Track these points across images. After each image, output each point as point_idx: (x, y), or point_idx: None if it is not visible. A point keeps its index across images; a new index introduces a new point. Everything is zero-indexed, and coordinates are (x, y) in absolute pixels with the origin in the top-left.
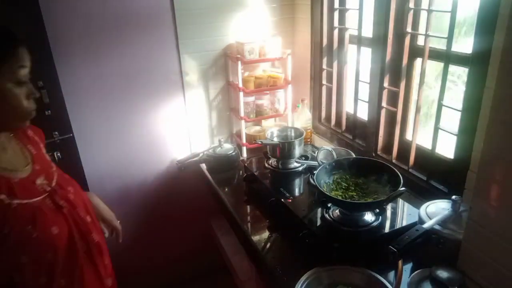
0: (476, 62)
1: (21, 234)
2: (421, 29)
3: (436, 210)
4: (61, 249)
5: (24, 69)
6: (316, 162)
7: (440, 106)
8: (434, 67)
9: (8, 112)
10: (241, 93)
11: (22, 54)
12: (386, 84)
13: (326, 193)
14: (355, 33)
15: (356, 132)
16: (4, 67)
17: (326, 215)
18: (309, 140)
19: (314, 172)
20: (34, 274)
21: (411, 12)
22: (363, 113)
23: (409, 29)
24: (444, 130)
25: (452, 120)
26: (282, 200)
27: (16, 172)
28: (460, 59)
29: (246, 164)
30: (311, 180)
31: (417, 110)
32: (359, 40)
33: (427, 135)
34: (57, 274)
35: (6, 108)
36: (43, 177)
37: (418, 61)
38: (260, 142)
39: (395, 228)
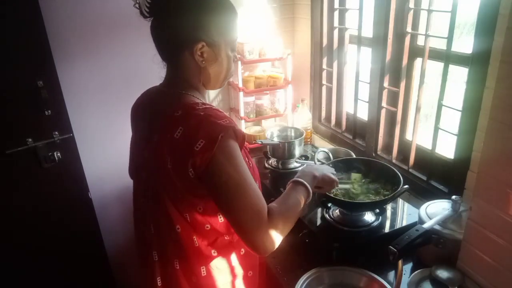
0: (476, 62)
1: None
2: (421, 29)
3: (436, 210)
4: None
5: (237, 39)
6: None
7: (440, 106)
8: (434, 67)
9: (221, 73)
10: (241, 93)
11: (238, 27)
12: (386, 84)
13: (326, 193)
14: (355, 33)
15: (356, 132)
16: (229, 37)
17: (326, 215)
18: (309, 140)
19: None
20: None
21: (411, 12)
22: (363, 113)
23: (409, 29)
24: (444, 130)
25: (452, 120)
26: None
27: None
28: (460, 59)
29: None
30: None
31: (417, 110)
32: (359, 40)
33: (427, 135)
34: None
35: (221, 70)
36: None
37: (418, 61)
38: (260, 142)
39: (395, 228)
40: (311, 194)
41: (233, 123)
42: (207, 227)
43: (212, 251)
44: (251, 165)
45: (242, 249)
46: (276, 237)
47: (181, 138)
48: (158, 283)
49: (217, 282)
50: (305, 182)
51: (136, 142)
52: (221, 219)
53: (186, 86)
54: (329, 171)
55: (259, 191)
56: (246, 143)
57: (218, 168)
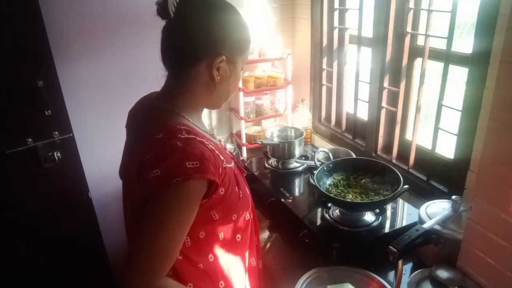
0: (476, 62)
1: (232, 195)
2: (421, 29)
3: (436, 210)
4: (251, 208)
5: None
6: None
7: (440, 106)
8: (434, 67)
9: (228, 92)
10: (241, 93)
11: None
12: (386, 84)
13: (326, 193)
14: (355, 33)
15: (356, 132)
16: (244, 57)
17: (326, 215)
18: (309, 140)
19: (314, 172)
20: (235, 232)
21: (411, 12)
22: (363, 113)
23: (409, 29)
24: (444, 130)
25: (452, 120)
26: (282, 200)
27: (215, 139)
28: (460, 59)
29: (246, 164)
30: (311, 180)
31: (417, 110)
32: (359, 40)
33: (427, 135)
34: (249, 232)
35: (229, 89)
36: None
37: (418, 61)
38: (260, 142)
39: (395, 228)
40: None
41: (202, 168)
42: (188, 243)
43: (199, 265)
44: (240, 195)
45: (227, 269)
46: None
47: (148, 162)
48: None
49: None
50: None
51: (126, 148)
52: (202, 234)
53: (184, 103)
54: None
55: (175, 252)
56: (248, 144)
57: (153, 205)
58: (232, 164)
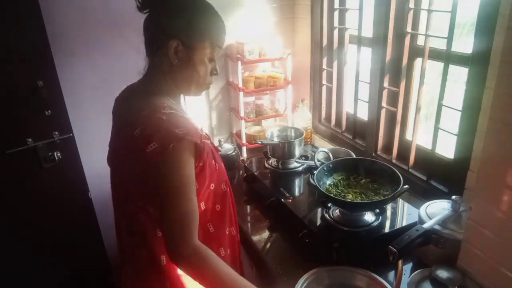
0: (476, 62)
1: (210, 166)
2: (421, 29)
3: (436, 210)
4: (227, 180)
5: (220, 50)
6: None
7: (440, 106)
8: (434, 67)
9: (194, 80)
10: (241, 93)
11: (224, 38)
12: (386, 84)
13: (326, 193)
14: (355, 33)
15: (356, 132)
16: (207, 44)
17: (326, 215)
18: (309, 140)
19: (314, 172)
20: (215, 202)
21: (411, 12)
22: (363, 113)
23: (409, 29)
24: (444, 130)
25: (452, 120)
26: (282, 200)
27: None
28: (460, 59)
29: (246, 164)
30: (311, 180)
31: (417, 110)
32: (359, 40)
33: (427, 135)
34: (227, 204)
35: (195, 76)
36: None
37: (418, 61)
38: (260, 142)
39: (395, 228)
40: None
41: (190, 133)
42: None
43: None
44: (217, 168)
45: None
46: (190, 255)
47: (139, 137)
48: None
49: None
50: None
51: (112, 133)
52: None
53: (160, 86)
54: None
55: (197, 207)
56: (248, 144)
57: (162, 174)
58: (209, 142)
